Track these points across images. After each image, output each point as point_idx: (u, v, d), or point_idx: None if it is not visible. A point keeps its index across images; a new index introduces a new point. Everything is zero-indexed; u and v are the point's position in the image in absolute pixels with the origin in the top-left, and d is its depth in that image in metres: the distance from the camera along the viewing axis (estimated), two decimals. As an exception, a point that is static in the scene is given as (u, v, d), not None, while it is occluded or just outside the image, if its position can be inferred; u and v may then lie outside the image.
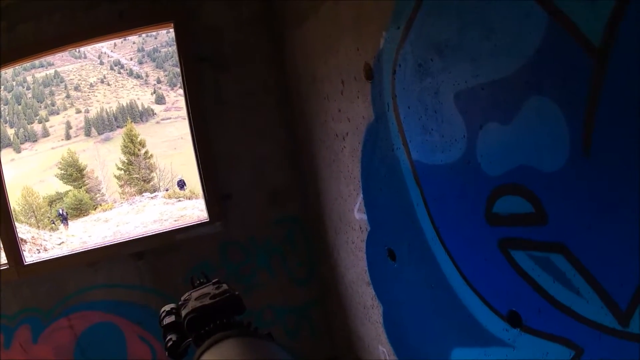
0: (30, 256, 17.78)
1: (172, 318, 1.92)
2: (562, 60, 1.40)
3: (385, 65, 2.36)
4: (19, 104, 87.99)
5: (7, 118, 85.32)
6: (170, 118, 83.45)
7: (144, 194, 41.70)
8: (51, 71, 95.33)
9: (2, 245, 4.11)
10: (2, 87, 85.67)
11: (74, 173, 53.82)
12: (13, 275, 4.03)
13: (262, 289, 4.26)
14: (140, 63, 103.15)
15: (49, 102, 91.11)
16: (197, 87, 4.00)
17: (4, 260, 4.14)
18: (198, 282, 2.06)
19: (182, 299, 1.94)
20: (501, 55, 1.61)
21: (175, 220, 26.41)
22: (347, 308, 3.82)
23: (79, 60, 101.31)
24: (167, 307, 2.04)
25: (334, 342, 4.38)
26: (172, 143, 74.40)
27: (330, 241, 3.83)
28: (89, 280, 4.10)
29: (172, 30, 3.99)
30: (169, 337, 1.81)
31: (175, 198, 33.16)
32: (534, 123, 1.54)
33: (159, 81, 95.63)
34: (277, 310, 4.33)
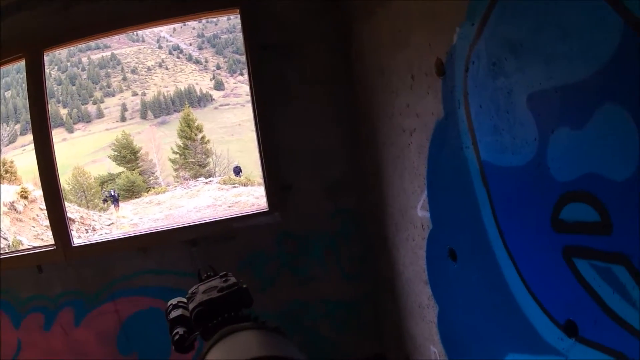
0: (78, 237, 18.51)
1: (179, 311, 2.01)
2: (636, 69, 1.45)
3: (458, 62, 2.43)
4: (73, 85, 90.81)
5: (60, 98, 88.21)
6: (228, 104, 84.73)
7: (198, 178, 42.59)
8: (107, 53, 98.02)
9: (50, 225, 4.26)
10: (56, 67, 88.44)
11: (127, 155, 55.26)
12: (59, 257, 4.20)
13: (314, 282, 4.41)
14: (200, 49, 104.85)
15: (104, 84, 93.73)
16: (263, 75, 4.14)
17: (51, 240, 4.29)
18: (205, 275, 2.14)
19: (190, 292, 2.01)
20: (575, 59, 1.67)
21: (229, 207, 26.94)
22: (402, 306, 3.92)
23: (137, 43, 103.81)
24: (173, 301, 2.12)
25: (383, 339, 4.49)
26: (230, 129, 75.59)
27: (390, 237, 3.93)
28: (139, 265, 4.26)
29: (233, 17, 4.14)
30: (176, 331, 1.91)
31: (230, 184, 33.69)
32: (605, 130, 1.60)
33: (218, 67, 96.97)
34: (328, 304, 4.46)
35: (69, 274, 4.24)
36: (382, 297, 4.34)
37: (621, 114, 1.53)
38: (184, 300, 2.07)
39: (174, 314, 2.01)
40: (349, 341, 4.52)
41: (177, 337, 1.88)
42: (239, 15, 4.16)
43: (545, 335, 2.09)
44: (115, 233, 21.91)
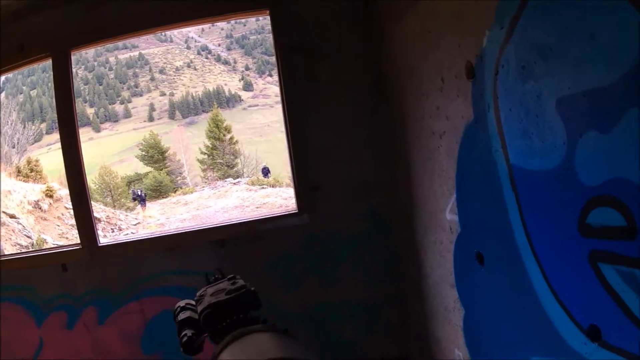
0: (104, 236, 18.70)
1: (187, 313, 2.06)
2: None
3: (488, 65, 2.46)
4: (100, 84, 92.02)
5: (87, 97, 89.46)
6: (257, 105, 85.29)
7: (226, 179, 42.88)
8: (135, 53, 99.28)
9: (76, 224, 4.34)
10: (83, 66, 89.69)
11: (155, 155, 55.86)
12: (85, 256, 4.29)
13: (341, 284, 4.46)
14: (229, 49, 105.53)
15: (132, 84, 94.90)
16: (292, 76, 4.20)
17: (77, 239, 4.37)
18: (213, 278, 2.18)
19: (198, 294, 2.06)
20: (602, 62, 1.69)
21: (257, 208, 27.12)
22: (428, 308, 3.95)
23: (165, 43, 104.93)
24: (181, 303, 2.18)
25: (408, 341, 4.51)
26: (259, 130, 76.07)
27: (418, 240, 3.96)
28: (165, 265, 4.33)
29: (262, 18, 4.21)
30: (184, 333, 1.96)
31: (259, 185, 33.87)
32: (631, 135, 1.61)
33: (247, 68, 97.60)
34: (355, 305, 4.50)
35: (94, 273, 4.34)
36: (408, 299, 4.37)
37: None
38: (192, 302, 2.12)
39: (182, 316, 2.07)
40: (374, 343, 4.56)
41: (185, 339, 1.93)
42: (268, 17, 4.22)
43: (569, 340, 2.11)
44: (142, 233, 22.18)
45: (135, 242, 4.72)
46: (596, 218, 1.85)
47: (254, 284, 2.00)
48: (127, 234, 24.53)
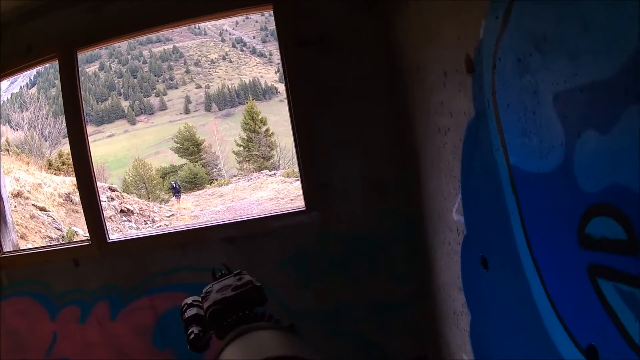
0: (117, 230, 18.95)
1: (194, 310, 1.99)
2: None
3: (486, 58, 2.25)
4: (135, 77, 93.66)
5: (122, 90, 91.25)
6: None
7: (262, 171, 43.19)
8: (169, 46, 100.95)
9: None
10: (117, 60, 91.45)
11: (190, 147, 56.68)
12: (94, 252, 4.27)
13: (357, 283, 4.28)
14: (264, 42, 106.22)
15: (167, 77, 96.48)
16: (299, 72, 4.06)
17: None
18: (220, 273, 2.10)
19: (204, 291, 2.00)
20: (599, 53, 1.47)
21: (292, 200, 27.17)
22: (438, 311, 3.78)
23: (199, 36, 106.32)
24: (188, 300, 2.11)
25: (425, 341, 4.33)
26: (295, 122, 76.33)
27: (429, 239, 3.78)
28: (176, 262, 4.27)
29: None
30: (190, 330, 1.87)
31: (294, 177, 33.96)
32: (632, 136, 1.40)
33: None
34: (372, 304, 4.33)
35: (106, 268, 4.33)
36: (424, 300, 4.18)
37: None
38: (199, 299, 2.06)
39: (189, 313, 2.02)
40: (392, 342, 4.37)
41: (192, 336, 1.87)
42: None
43: (567, 357, 1.91)
44: (152, 229, 22.42)
45: (144, 238, 4.68)
46: (596, 228, 1.64)
47: (265, 282, 1.92)
48: (160, 225, 24.80)
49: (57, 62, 4.24)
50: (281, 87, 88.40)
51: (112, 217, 22.68)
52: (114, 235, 4.51)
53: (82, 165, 4.24)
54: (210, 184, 44.10)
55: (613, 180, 1.52)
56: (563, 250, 1.84)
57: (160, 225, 24.80)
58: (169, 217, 28.34)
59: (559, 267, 1.92)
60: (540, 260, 2.05)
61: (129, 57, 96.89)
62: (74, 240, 16.25)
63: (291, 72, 4.04)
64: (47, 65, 4.58)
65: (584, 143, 1.64)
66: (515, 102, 2.06)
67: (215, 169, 57.62)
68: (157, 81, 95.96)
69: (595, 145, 1.58)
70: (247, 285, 1.81)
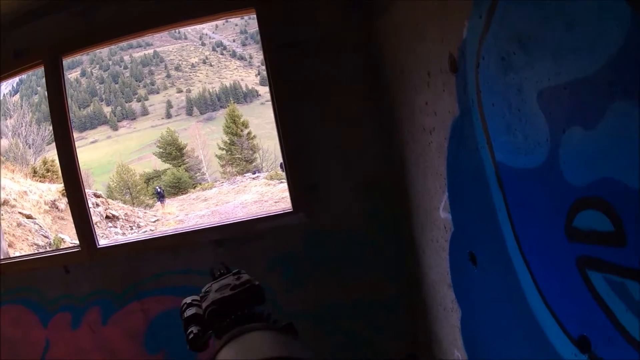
0: (103, 236, 18.83)
1: (193, 310, 1.98)
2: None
3: (469, 58, 2.27)
4: (116, 83, 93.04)
5: (103, 96, 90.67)
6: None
7: (245, 174, 43.03)
8: (150, 51, 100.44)
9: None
10: (98, 65, 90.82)
11: (173, 151, 56.39)
12: (84, 258, 4.25)
13: (346, 283, 4.27)
14: (244, 45, 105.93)
15: (148, 82, 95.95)
16: (282, 74, 4.05)
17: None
18: (219, 273, 2.11)
19: (203, 290, 2.00)
20: (583, 51, 1.49)
21: (276, 202, 27.09)
22: (429, 308, 3.78)
23: (179, 41, 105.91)
24: (188, 300, 2.11)
25: (416, 339, 4.34)
26: (277, 124, 76.25)
27: (417, 237, 3.78)
28: (165, 266, 4.26)
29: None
30: (190, 330, 1.87)
31: (277, 179, 33.85)
32: (618, 131, 1.42)
33: (263, 63, 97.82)
34: (362, 304, 4.33)
35: (96, 274, 4.30)
36: (414, 298, 4.19)
37: (633, 112, 1.34)
38: (198, 298, 2.06)
39: (188, 312, 2.02)
40: (383, 341, 4.37)
41: (191, 335, 1.87)
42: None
43: (560, 349, 1.93)
44: (141, 234, 22.32)
45: (133, 243, 4.64)
46: (583, 221, 1.66)
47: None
48: (146, 231, 24.65)
49: (43, 68, 4.20)
50: (262, 90, 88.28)
51: (98, 223, 22.47)
52: (102, 241, 4.45)
53: (69, 171, 4.20)
54: (194, 188, 43.82)
55: (599, 174, 1.54)
56: (551, 244, 1.86)
57: (146, 231, 24.63)
58: (154, 222, 28.14)
59: (548, 261, 1.94)
60: (529, 254, 2.07)
61: (110, 62, 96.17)
62: (61, 247, 16.10)
63: (275, 75, 4.03)
64: (29, 72, 4.51)
65: (569, 139, 1.66)
66: (499, 100, 2.07)
67: (198, 173, 57.32)
68: (139, 86, 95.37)
69: (581, 140, 1.60)
70: (245, 285, 1.83)
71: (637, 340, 1.48)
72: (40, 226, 20.14)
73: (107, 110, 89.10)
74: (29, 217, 20.05)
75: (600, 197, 1.55)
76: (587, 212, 1.63)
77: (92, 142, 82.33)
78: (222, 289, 1.86)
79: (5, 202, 19.30)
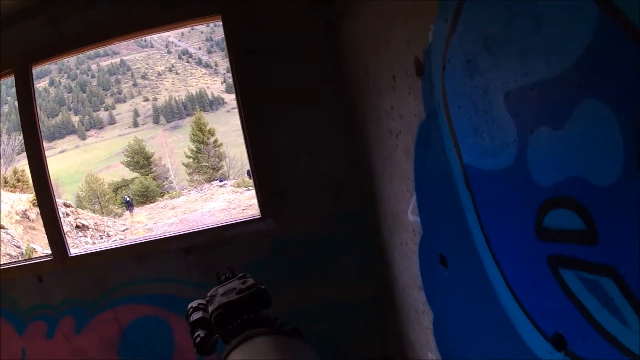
0: (73, 246, 18.60)
1: (199, 314, 1.97)
2: (615, 60, 1.27)
3: (435, 61, 2.26)
4: (84, 92, 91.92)
5: (72, 106, 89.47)
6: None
7: (212, 182, 42.77)
8: (117, 60, 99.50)
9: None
10: (66, 75, 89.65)
11: (140, 160, 55.87)
12: (57, 267, 4.21)
13: (317, 287, 4.26)
14: (209, 52, 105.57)
15: (115, 90, 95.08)
16: (248, 80, 4.02)
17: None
18: (224, 277, 2.08)
19: (209, 294, 1.98)
20: (550, 52, 1.49)
21: (243, 210, 26.96)
22: (400, 311, 3.76)
23: (145, 49, 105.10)
24: (194, 304, 2.08)
25: (387, 343, 4.32)
26: (243, 132, 76.16)
27: (385, 241, 3.77)
28: (136, 274, 4.23)
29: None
30: (197, 334, 1.85)
31: (244, 187, 33.69)
32: (586, 130, 1.42)
33: (229, 70, 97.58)
34: (333, 308, 4.31)
35: (69, 282, 4.25)
36: (384, 301, 4.17)
37: (602, 111, 1.34)
38: (204, 302, 2.04)
39: (195, 316, 2.01)
40: (355, 345, 4.36)
41: (198, 339, 1.86)
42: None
43: (535, 348, 1.92)
44: (112, 242, 22.04)
45: (104, 251, 4.57)
46: (553, 220, 1.66)
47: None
48: (116, 240, 24.32)
49: (13, 77, 4.15)
50: (228, 98, 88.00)
51: (69, 233, 22.06)
52: (74, 250, 4.38)
53: (40, 180, 4.16)
54: (162, 196, 43.41)
55: (568, 173, 1.54)
56: (522, 244, 1.86)
57: (116, 240, 24.29)
58: (123, 231, 27.82)
59: (519, 261, 1.93)
60: (500, 255, 2.07)
61: (78, 71, 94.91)
62: (34, 256, 15.80)
63: (241, 81, 3.99)
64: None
65: (537, 139, 1.66)
66: (466, 102, 2.07)
67: (166, 182, 56.77)
68: (106, 95, 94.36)
69: (549, 140, 1.60)
70: (251, 289, 1.85)
71: (613, 336, 1.47)
72: (12, 236, 19.72)
73: (75, 119, 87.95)
74: (0, 227, 19.63)
75: (570, 196, 1.55)
76: (557, 211, 1.63)
77: (61, 152, 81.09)
78: (228, 293, 1.88)
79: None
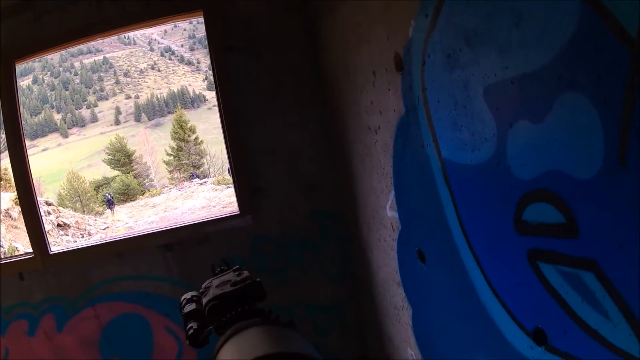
0: (55, 244, 18.44)
1: (193, 306, 1.90)
2: (596, 53, 1.25)
3: (415, 56, 2.23)
4: (67, 90, 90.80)
5: (54, 103, 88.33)
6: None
7: (193, 180, 42.47)
8: (99, 57, 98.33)
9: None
10: (49, 72, 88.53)
11: (121, 158, 55.30)
12: (38, 265, 4.11)
13: (294, 285, 4.21)
14: (192, 50, 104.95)
15: (97, 88, 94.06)
16: (229, 77, 3.96)
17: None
18: (219, 269, 2.03)
19: (203, 286, 1.92)
20: (531, 46, 1.46)
21: (223, 207, 26.83)
22: (379, 307, 3.73)
23: (128, 46, 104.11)
24: (187, 295, 2.02)
25: (366, 340, 4.29)
26: (224, 129, 75.99)
27: (364, 238, 3.73)
28: (116, 271, 4.14)
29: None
30: (190, 325, 1.79)
31: (225, 184, 33.49)
32: (566, 123, 1.39)
33: (210, 67, 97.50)
34: (308, 306, 4.28)
35: (49, 280, 4.14)
36: (363, 298, 4.14)
37: (582, 104, 1.32)
38: (198, 294, 1.98)
39: (188, 308, 1.93)
40: (332, 343, 4.33)
41: (191, 331, 1.79)
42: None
43: (514, 342, 1.90)
44: (92, 240, 21.80)
45: (84, 249, 4.43)
46: (533, 214, 1.63)
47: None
48: (98, 238, 24.07)
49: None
50: (209, 95, 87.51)
51: (50, 232, 21.70)
52: (55, 248, 4.28)
53: (22, 179, 4.06)
54: (143, 194, 43.01)
55: (548, 167, 1.52)
56: (501, 238, 1.84)
57: (98, 238, 24.03)
58: (104, 229, 27.52)
59: (497, 255, 1.91)
60: (478, 249, 2.04)
61: (61, 69, 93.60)
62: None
63: (222, 77, 3.93)
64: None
65: (517, 133, 1.63)
66: (445, 97, 2.04)
67: (147, 180, 56.24)
68: (88, 93, 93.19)
69: (528, 134, 1.57)
70: (246, 281, 1.75)
71: (594, 330, 1.45)
72: (-6, 235, 19.43)
73: (57, 117, 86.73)
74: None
75: (549, 190, 1.53)
76: (536, 205, 1.60)
77: (44, 150, 79.95)
78: (223, 284, 1.79)
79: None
